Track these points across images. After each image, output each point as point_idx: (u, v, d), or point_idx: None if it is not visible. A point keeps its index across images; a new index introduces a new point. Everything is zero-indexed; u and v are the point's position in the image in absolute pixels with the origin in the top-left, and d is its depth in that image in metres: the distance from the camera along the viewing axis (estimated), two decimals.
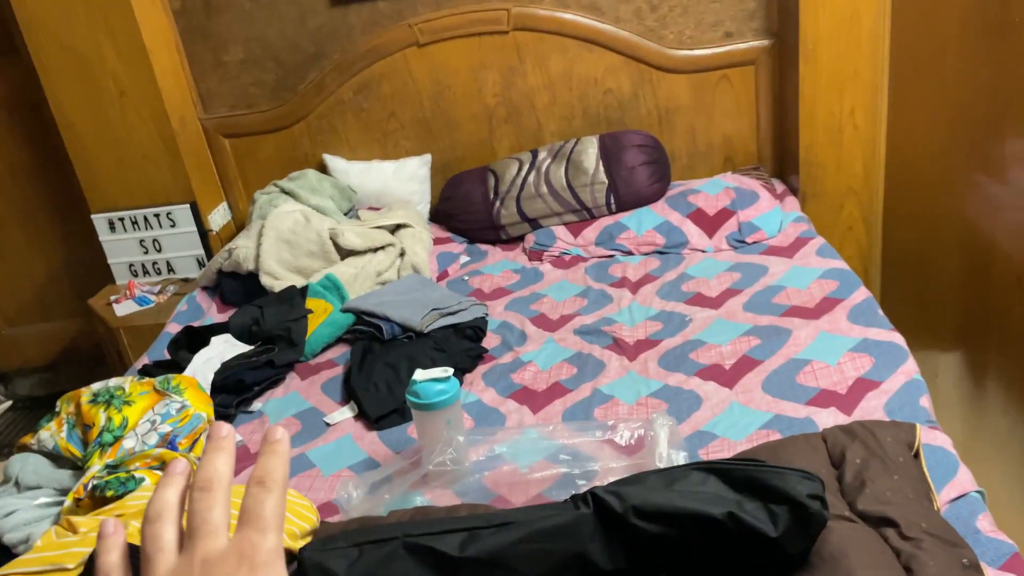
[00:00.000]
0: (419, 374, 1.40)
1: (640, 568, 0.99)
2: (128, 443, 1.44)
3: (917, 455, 1.16)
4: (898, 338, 1.61)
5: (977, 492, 1.22)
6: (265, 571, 0.36)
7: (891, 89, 2.19)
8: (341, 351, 1.93)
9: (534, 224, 2.35)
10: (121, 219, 2.52)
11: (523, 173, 2.35)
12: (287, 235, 2.15)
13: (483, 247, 2.42)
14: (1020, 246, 1.68)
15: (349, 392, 1.73)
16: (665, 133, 2.49)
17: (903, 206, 2.26)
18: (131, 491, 1.25)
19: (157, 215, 2.51)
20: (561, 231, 2.33)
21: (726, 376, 1.62)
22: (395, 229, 2.28)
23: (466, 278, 2.23)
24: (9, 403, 3.09)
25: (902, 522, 0.99)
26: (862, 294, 1.80)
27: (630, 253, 2.24)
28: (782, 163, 2.47)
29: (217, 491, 0.39)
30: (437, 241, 2.40)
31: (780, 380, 1.56)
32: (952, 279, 2.00)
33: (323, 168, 2.58)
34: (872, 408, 1.43)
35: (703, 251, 2.18)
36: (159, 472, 1.35)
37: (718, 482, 1.00)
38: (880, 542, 0.98)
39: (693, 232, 2.22)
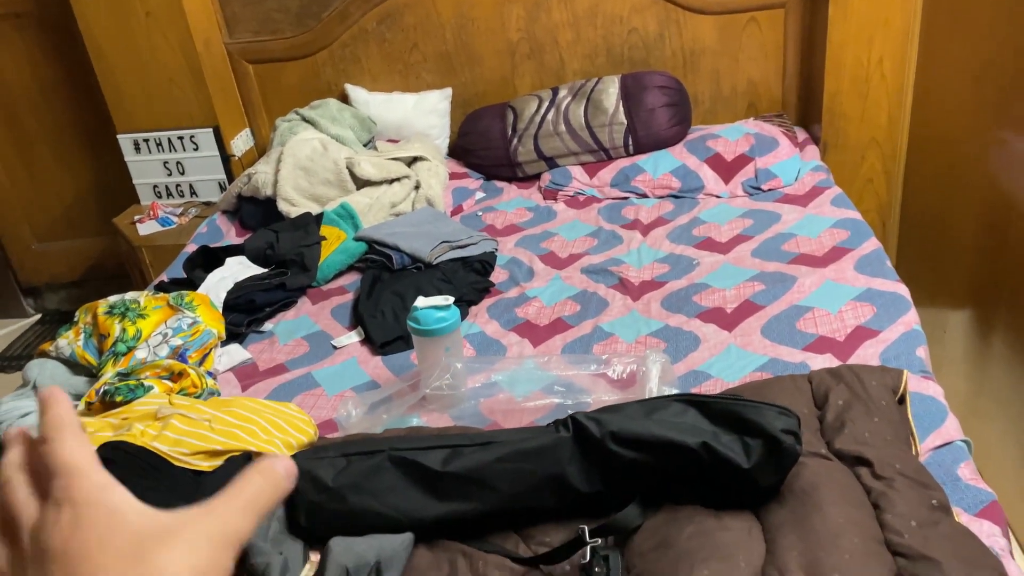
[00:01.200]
0: (420, 301, 1.43)
1: (616, 491, 1.02)
2: (140, 353, 1.50)
3: (903, 401, 1.17)
4: (903, 289, 1.61)
5: (963, 441, 1.23)
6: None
7: (922, 39, 2.13)
8: (352, 278, 1.97)
9: (551, 163, 2.35)
10: (146, 140, 2.56)
11: (542, 111, 2.34)
12: (304, 162, 2.17)
13: (499, 184, 2.42)
14: None
15: (357, 318, 1.77)
16: (689, 76, 2.45)
17: (925, 160, 2.22)
18: (139, 397, 1.31)
19: (181, 138, 2.54)
20: (577, 171, 2.32)
21: (727, 319, 1.63)
22: (412, 162, 2.29)
23: (480, 214, 2.25)
24: (38, 316, 3.19)
25: (876, 462, 1.01)
26: (872, 245, 1.79)
27: (645, 196, 2.24)
28: (806, 111, 2.43)
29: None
30: (454, 176, 2.41)
31: (780, 325, 1.57)
32: (969, 236, 1.97)
33: (345, 98, 2.58)
34: (868, 356, 1.44)
35: (718, 196, 2.17)
36: (168, 382, 1.41)
37: (697, 414, 1.02)
38: (852, 480, 1.00)
39: (709, 177, 2.20)
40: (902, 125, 2.24)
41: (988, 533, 1.07)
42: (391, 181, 2.19)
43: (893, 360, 1.41)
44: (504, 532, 1.04)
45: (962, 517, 1.08)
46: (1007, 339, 1.80)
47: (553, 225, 2.15)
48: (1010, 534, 1.11)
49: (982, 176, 1.87)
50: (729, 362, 1.50)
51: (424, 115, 2.51)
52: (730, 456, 0.97)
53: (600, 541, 0.97)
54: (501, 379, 1.50)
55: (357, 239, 2.00)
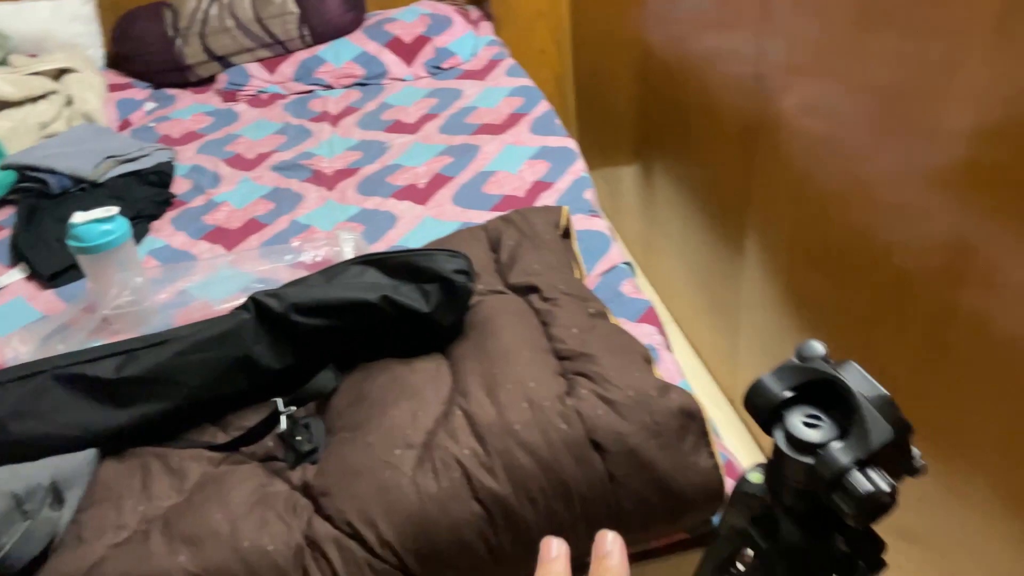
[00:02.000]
0: (77, 216, 1.29)
1: (309, 362, 1.03)
2: None
3: (567, 235, 1.29)
4: (571, 143, 1.75)
5: (625, 264, 1.40)
6: None
7: None
8: (7, 213, 1.73)
9: (224, 62, 2.20)
10: None
11: (203, 6, 2.16)
12: None
13: (171, 91, 2.23)
14: (670, 51, 1.85)
15: (17, 254, 1.57)
16: None
17: (589, 26, 2.39)
18: None
19: None
20: (255, 68, 2.20)
21: (420, 194, 1.67)
22: (59, 75, 2.02)
23: (152, 125, 2.06)
24: None
25: (543, 287, 1.11)
26: (544, 107, 1.91)
27: (330, 87, 2.19)
28: None
29: None
30: (115, 87, 2.17)
31: (468, 192, 1.65)
32: (630, 93, 2.17)
33: None
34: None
35: (402, 80, 2.18)
36: None
37: (376, 272, 1.05)
38: (524, 306, 1.09)
39: (392, 61, 2.20)
40: None
41: (647, 333, 1.24)
42: (35, 99, 1.92)
43: (566, 205, 1.54)
44: (200, 426, 1.01)
45: (626, 324, 1.23)
46: (664, 181, 2.04)
47: (236, 127, 2.04)
48: (667, 331, 1.29)
49: (633, 35, 2.06)
50: (424, 233, 1.55)
51: (66, 23, 2.21)
52: (410, 304, 1.01)
53: (297, 410, 0.98)
54: (194, 287, 1.43)
55: (3, 168, 1.75)
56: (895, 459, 0.51)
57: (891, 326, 1.19)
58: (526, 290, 1.13)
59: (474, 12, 2.41)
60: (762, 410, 0.54)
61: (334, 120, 2.02)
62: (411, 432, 0.92)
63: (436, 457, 0.89)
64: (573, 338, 1.02)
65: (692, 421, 0.92)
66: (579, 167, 1.67)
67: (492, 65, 2.16)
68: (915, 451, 0.52)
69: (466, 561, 0.88)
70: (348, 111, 2.06)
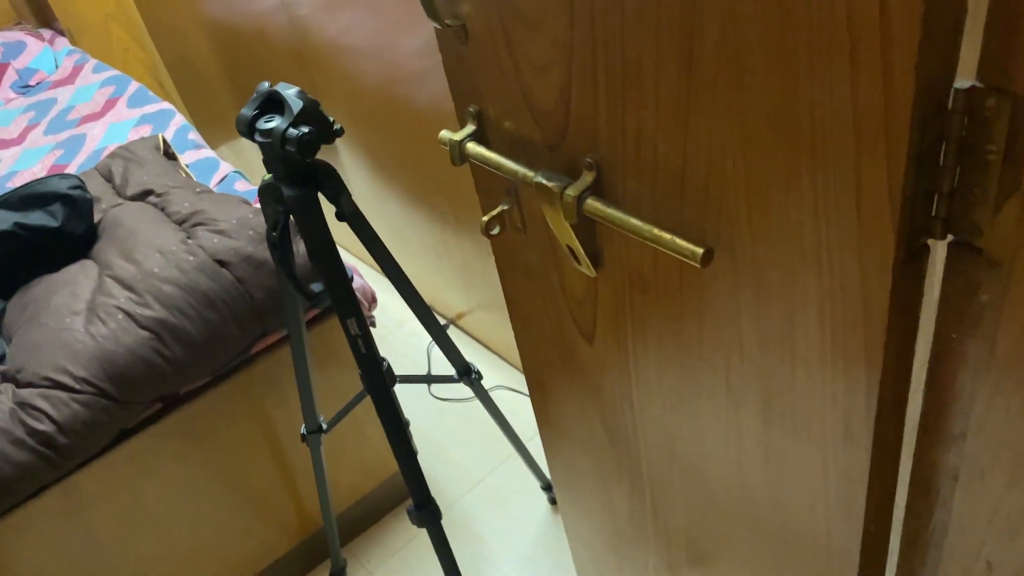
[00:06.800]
0: None
1: None
2: None
3: (170, 156, 1.58)
4: (166, 105, 2.01)
5: (235, 172, 1.71)
6: None
7: None
8: None
9: None
10: None
11: None
12: None
13: None
14: (232, 21, 2.17)
15: None
16: None
17: (163, 20, 2.61)
18: None
19: None
20: None
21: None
22: None
23: None
24: None
25: (156, 188, 1.40)
26: (134, 87, 2.14)
27: None
28: (41, 13, 2.59)
29: None
30: None
31: (85, 170, 1.85)
32: (220, 66, 2.45)
33: None
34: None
35: None
36: None
37: (2, 211, 1.26)
38: (142, 204, 1.37)
39: None
40: None
41: None
42: None
43: (175, 150, 1.81)
44: None
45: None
46: None
47: None
48: None
49: (203, 16, 2.33)
50: None
51: None
52: (40, 223, 1.24)
53: None
54: None
55: None
56: (319, 123, 0.90)
57: (419, 147, 1.65)
58: (142, 195, 1.40)
59: (47, 33, 2.52)
60: (243, 127, 0.90)
61: None
62: (74, 304, 1.17)
63: (100, 311, 1.16)
64: (185, 208, 1.32)
65: None
66: (179, 119, 1.94)
67: (78, 70, 2.32)
68: (332, 118, 0.92)
69: (152, 374, 1.17)
70: None
